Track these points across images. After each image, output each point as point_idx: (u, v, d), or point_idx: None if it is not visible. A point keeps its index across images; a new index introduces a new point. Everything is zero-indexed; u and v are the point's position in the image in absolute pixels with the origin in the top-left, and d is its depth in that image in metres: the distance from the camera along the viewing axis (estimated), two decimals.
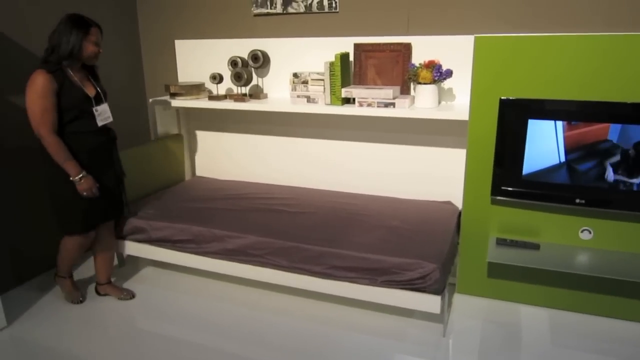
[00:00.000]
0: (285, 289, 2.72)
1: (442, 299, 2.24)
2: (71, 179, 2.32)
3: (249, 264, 2.57)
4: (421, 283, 2.22)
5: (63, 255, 2.59)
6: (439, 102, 2.76)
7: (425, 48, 2.79)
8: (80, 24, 2.26)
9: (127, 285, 2.85)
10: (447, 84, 2.79)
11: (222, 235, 2.60)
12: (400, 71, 2.84)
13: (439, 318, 2.41)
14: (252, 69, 3.15)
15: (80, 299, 2.69)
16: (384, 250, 2.33)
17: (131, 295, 2.74)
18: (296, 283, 2.50)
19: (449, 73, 2.62)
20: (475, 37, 2.31)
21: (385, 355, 2.22)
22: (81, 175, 2.33)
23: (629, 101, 2.14)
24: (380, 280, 2.30)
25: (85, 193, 2.37)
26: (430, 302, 2.24)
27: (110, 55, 3.31)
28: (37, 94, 2.19)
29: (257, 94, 3.13)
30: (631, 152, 2.17)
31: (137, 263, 3.10)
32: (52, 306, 2.64)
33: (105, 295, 2.74)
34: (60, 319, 2.53)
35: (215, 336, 2.38)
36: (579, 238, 2.40)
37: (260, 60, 3.08)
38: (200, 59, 3.36)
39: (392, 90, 2.66)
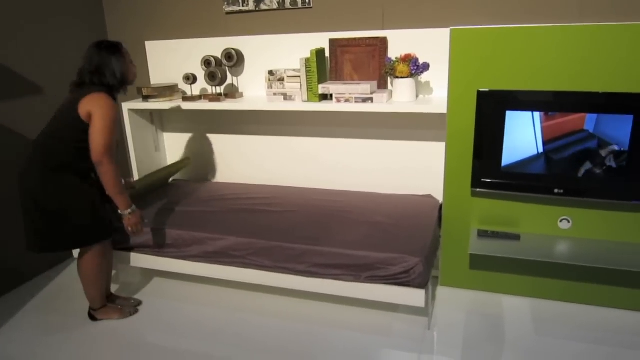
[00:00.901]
0: (270, 289, 2.70)
1: (426, 292, 2.24)
2: (120, 211, 2.29)
3: (232, 266, 2.53)
4: (405, 277, 2.21)
5: (91, 281, 2.42)
6: (417, 96, 2.76)
7: (401, 42, 2.77)
8: (112, 48, 2.24)
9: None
10: (424, 77, 2.79)
11: (202, 237, 2.55)
12: (377, 66, 2.83)
13: (424, 311, 2.41)
14: (227, 68, 3.09)
15: (132, 308, 2.59)
16: (367, 246, 2.32)
17: (136, 305, 2.65)
18: (280, 283, 2.47)
19: (426, 66, 2.62)
20: (451, 29, 2.31)
21: (372, 351, 2.21)
22: (131, 209, 2.29)
23: (601, 91, 2.17)
24: (364, 276, 2.29)
25: (130, 228, 2.32)
26: (414, 296, 2.24)
27: (78, 60, 3.20)
28: (112, 120, 2.17)
29: (232, 93, 3.07)
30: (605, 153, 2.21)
31: (117, 270, 3.03)
32: (30, 319, 2.56)
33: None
34: (38, 331, 2.46)
35: (201, 341, 2.34)
36: (559, 227, 2.43)
37: (234, 59, 3.03)
38: (173, 60, 3.29)
39: (369, 85, 2.65)
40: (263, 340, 2.33)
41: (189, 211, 2.82)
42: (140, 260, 2.71)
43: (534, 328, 2.32)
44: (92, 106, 2.15)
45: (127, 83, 2.31)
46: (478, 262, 2.60)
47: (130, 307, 2.60)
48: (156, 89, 3.08)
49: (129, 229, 2.32)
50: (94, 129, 2.15)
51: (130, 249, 2.69)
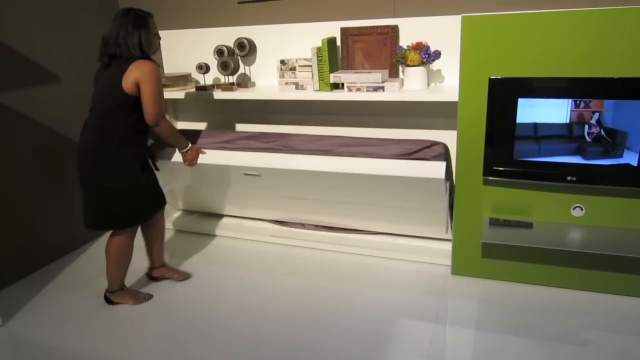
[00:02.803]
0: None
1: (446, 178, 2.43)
2: (181, 151, 2.60)
3: (268, 152, 2.79)
4: (427, 152, 2.50)
5: (117, 262, 2.48)
6: (428, 84, 2.75)
7: (412, 30, 2.76)
8: (139, 19, 2.26)
9: None
10: (435, 65, 2.78)
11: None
12: (388, 54, 2.82)
13: (435, 301, 2.42)
14: (239, 57, 3.11)
15: (147, 294, 2.64)
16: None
17: (187, 276, 2.80)
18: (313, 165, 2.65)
19: (437, 54, 2.61)
20: (462, 16, 2.29)
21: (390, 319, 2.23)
22: (188, 147, 2.61)
23: (616, 76, 2.14)
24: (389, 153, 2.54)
25: (187, 163, 2.65)
26: (435, 168, 2.43)
27: (92, 49, 3.24)
28: (159, 83, 2.27)
29: (244, 82, 3.09)
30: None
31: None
32: (49, 303, 2.63)
33: (162, 279, 2.77)
34: (58, 315, 2.52)
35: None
36: (571, 215, 2.41)
37: (246, 48, 3.04)
38: (186, 50, 3.32)
39: (380, 74, 2.65)
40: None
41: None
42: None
43: (546, 316, 2.32)
44: (137, 74, 2.21)
45: (148, 56, 2.33)
46: (490, 251, 2.60)
47: (145, 293, 2.65)
48: (170, 78, 3.12)
49: (187, 163, 2.65)
50: (145, 95, 2.24)
51: None
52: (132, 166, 2.36)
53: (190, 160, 2.65)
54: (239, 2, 3.14)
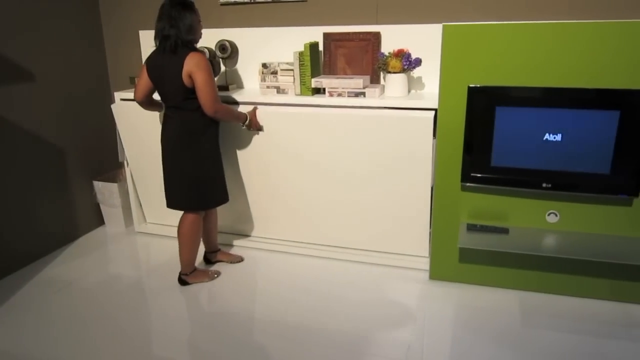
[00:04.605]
0: None
1: None
2: (244, 124, 2.68)
3: None
4: None
5: (192, 243, 2.65)
6: (409, 91, 2.78)
7: (394, 37, 2.80)
8: (185, 4, 2.36)
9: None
10: (416, 72, 2.82)
11: None
12: (370, 60, 2.85)
13: (413, 315, 2.43)
14: (220, 59, 3.10)
15: (216, 271, 2.84)
16: None
17: (240, 259, 2.98)
18: None
19: (418, 62, 2.65)
20: (443, 25, 2.33)
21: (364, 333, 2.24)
22: (247, 118, 2.68)
23: (590, 87, 2.21)
24: None
25: (254, 129, 2.74)
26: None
27: (71, 48, 3.19)
28: (210, 73, 2.37)
29: (226, 85, 3.08)
30: None
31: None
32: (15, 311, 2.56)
33: (217, 262, 2.95)
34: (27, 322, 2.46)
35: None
36: (546, 221, 2.47)
37: (228, 51, 3.03)
38: None
39: (362, 80, 2.67)
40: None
41: None
42: None
43: (522, 320, 2.37)
44: (190, 68, 2.32)
45: (196, 41, 2.44)
46: (467, 256, 2.64)
47: (214, 270, 2.84)
48: None
49: (251, 129, 2.74)
50: (198, 87, 2.35)
51: None
52: (214, 150, 2.57)
53: (257, 125, 2.75)
54: (221, 4, 3.13)
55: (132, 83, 3.12)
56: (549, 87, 2.26)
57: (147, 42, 3.30)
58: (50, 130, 3.07)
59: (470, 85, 2.35)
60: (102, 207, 3.48)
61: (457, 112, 2.42)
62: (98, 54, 3.44)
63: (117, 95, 3.12)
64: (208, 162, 2.55)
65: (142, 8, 3.31)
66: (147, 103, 2.62)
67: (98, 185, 3.39)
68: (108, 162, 3.55)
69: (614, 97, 2.17)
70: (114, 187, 3.35)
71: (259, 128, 2.77)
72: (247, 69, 3.15)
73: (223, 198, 2.70)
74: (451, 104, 2.43)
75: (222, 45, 3.03)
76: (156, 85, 2.48)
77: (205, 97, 2.35)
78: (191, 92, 2.39)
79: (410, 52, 2.65)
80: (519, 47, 2.26)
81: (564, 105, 2.25)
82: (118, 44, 3.45)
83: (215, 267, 2.91)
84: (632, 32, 2.11)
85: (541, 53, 2.24)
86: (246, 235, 3.22)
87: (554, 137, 2.30)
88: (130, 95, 3.08)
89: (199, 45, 2.53)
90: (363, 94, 2.67)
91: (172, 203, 2.62)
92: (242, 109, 2.77)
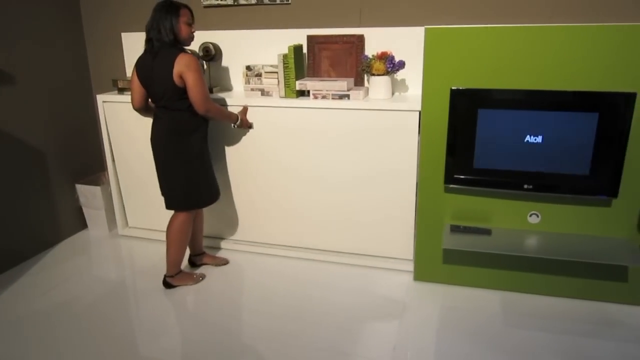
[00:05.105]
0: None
1: None
2: (235, 125, 2.71)
3: None
4: None
5: (179, 243, 2.64)
6: (393, 93, 2.80)
7: (378, 40, 2.81)
8: (170, 7, 2.39)
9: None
10: (400, 75, 2.83)
11: None
12: (353, 63, 2.86)
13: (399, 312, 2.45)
14: (204, 62, 3.09)
15: (202, 275, 2.83)
16: None
17: (226, 261, 2.97)
18: None
19: (402, 64, 2.66)
20: (425, 28, 2.35)
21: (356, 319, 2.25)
22: (239, 119, 2.71)
23: (569, 90, 2.24)
24: None
25: (246, 127, 2.81)
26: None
27: (53, 50, 3.15)
28: (200, 73, 2.39)
29: (209, 87, 3.07)
30: None
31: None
32: None
33: (202, 265, 2.94)
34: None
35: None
36: (528, 222, 2.50)
37: (212, 53, 3.02)
38: None
39: (346, 82, 2.68)
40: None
41: None
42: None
43: (504, 320, 2.39)
44: (181, 68, 2.34)
45: (180, 42, 2.44)
46: (451, 257, 2.66)
47: (199, 273, 2.83)
48: None
49: (245, 127, 2.81)
50: (189, 86, 2.36)
51: None
52: (203, 150, 2.59)
53: (247, 124, 2.81)
54: (204, 7, 3.12)
55: (114, 86, 3.09)
56: (530, 90, 2.29)
57: (130, 44, 3.28)
58: (31, 133, 3.03)
59: (453, 88, 2.37)
60: (84, 210, 3.44)
61: (440, 114, 2.44)
62: (80, 56, 3.40)
63: (100, 98, 3.09)
64: (197, 162, 2.56)
65: (124, 10, 3.28)
66: (144, 109, 2.59)
67: (81, 188, 3.36)
68: (90, 165, 3.51)
69: (592, 99, 2.21)
70: (97, 190, 3.31)
71: (250, 126, 2.82)
72: (232, 71, 3.14)
73: (214, 196, 2.70)
74: (434, 106, 2.45)
75: (205, 48, 3.02)
76: (145, 86, 2.47)
77: (196, 96, 2.37)
78: (182, 92, 2.40)
79: (393, 54, 2.67)
80: (501, 49, 2.29)
81: (545, 107, 2.28)
82: (100, 47, 3.41)
83: (201, 270, 2.90)
84: (610, 35, 2.15)
85: (522, 56, 2.27)
86: (231, 239, 3.20)
87: (535, 139, 2.33)
88: (113, 97, 3.07)
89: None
90: (347, 96, 2.68)
91: (167, 204, 2.63)
92: (230, 110, 2.77)
